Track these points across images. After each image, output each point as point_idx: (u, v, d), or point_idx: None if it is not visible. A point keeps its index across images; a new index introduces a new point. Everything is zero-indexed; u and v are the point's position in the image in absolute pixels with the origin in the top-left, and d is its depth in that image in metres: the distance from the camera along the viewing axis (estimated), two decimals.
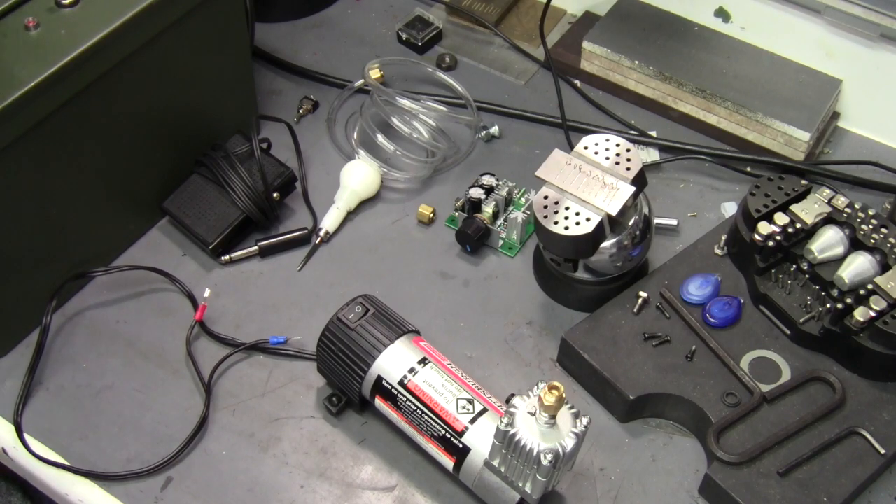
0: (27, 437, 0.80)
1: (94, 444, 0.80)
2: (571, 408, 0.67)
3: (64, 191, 0.83)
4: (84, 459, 0.79)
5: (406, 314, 0.81)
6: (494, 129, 1.03)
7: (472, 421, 0.73)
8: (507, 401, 0.69)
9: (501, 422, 0.67)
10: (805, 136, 1.00)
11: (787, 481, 0.75)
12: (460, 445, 0.73)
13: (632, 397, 0.80)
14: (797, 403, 0.80)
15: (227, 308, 0.89)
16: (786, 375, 0.81)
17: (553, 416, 0.66)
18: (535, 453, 0.66)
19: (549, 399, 0.64)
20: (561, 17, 1.18)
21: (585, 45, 1.09)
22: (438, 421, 0.73)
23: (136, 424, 0.82)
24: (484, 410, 0.73)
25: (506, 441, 0.67)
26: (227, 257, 0.93)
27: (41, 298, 0.85)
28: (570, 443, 0.66)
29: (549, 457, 0.65)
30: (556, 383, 0.65)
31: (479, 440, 0.72)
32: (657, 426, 0.83)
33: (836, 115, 1.07)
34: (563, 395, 0.65)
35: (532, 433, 0.66)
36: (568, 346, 0.83)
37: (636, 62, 1.06)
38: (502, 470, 0.70)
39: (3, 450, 0.81)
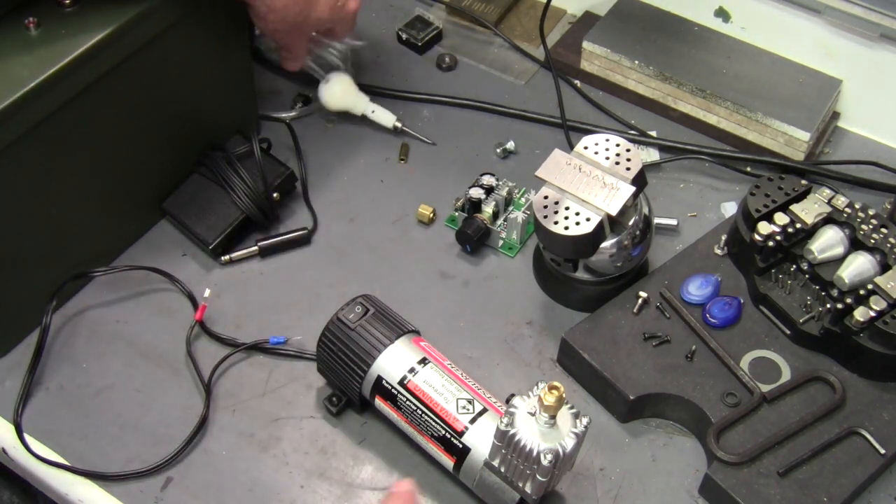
0: (27, 437, 0.80)
1: (94, 444, 0.80)
2: (571, 408, 0.67)
3: (64, 191, 0.83)
4: (84, 459, 0.79)
5: (406, 314, 0.81)
6: (510, 145, 1.03)
7: (472, 421, 0.73)
8: (507, 401, 0.69)
9: (501, 422, 0.67)
10: (805, 136, 1.00)
11: (787, 481, 0.75)
12: (460, 445, 0.73)
13: (632, 397, 0.80)
14: (797, 403, 0.80)
15: (227, 308, 0.89)
16: (786, 375, 0.81)
17: (553, 416, 0.66)
18: (535, 453, 0.66)
19: (549, 399, 0.64)
20: (561, 17, 1.18)
21: (585, 45, 1.09)
22: (438, 421, 0.73)
23: (136, 424, 0.82)
24: (484, 410, 0.73)
25: (506, 441, 0.67)
26: (227, 257, 0.93)
27: (41, 298, 0.85)
28: (570, 443, 0.66)
29: (549, 457, 0.65)
30: (556, 383, 0.65)
31: (479, 440, 0.72)
32: (657, 426, 0.83)
33: (836, 115, 1.07)
34: (563, 395, 0.65)
35: (532, 433, 0.66)
36: (568, 346, 0.84)
37: (636, 62, 1.06)
38: (502, 470, 0.70)
39: (3, 450, 0.81)
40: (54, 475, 0.79)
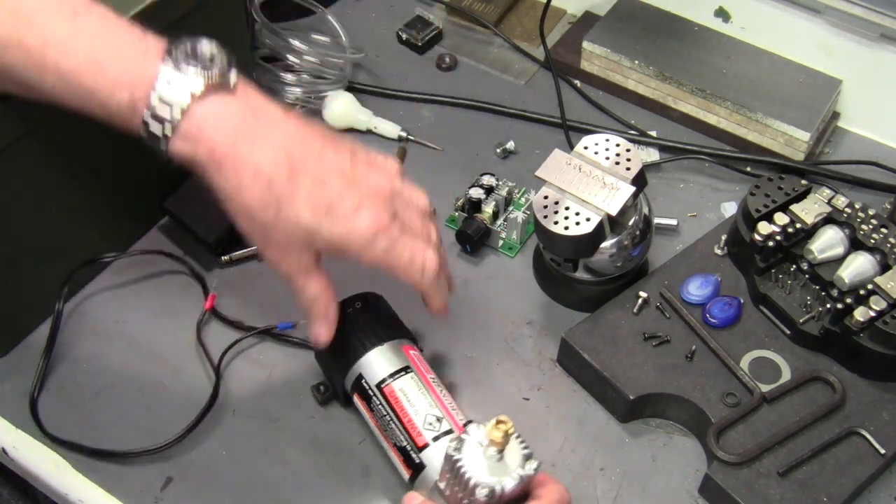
0: (29, 437, 0.80)
1: (94, 444, 0.80)
2: (525, 447, 0.65)
3: (64, 191, 0.83)
4: (84, 459, 0.79)
5: (406, 315, 0.81)
6: (510, 145, 1.03)
7: (435, 439, 0.72)
8: (464, 426, 0.67)
9: (450, 445, 0.65)
10: (805, 136, 1.00)
11: (787, 481, 0.75)
12: (417, 460, 0.72)
13: (632, 397, 0.80)
14: (797, 403, 0.80)
15: (228, 308, 0.89)
16: (786, 375, 0.81)
17: (500, 451, 0.63)
18: (471, 484, 0.63)
19: (495, 434, 0.62)
20: (561, 17, 1.18)
21: (585, 45, 1.09)
22: (403, 431, 0.73)
23: (136, 424, 0.81)
24: (450, 431, 0.72)
25: (449, 465, 0.65)
26: (227, 257, 0.93)
27: (40, 299, 0.85)
28: (510, 484, 0.63)
29: (485, 492, 0.63)
30: (503, 417, 0.62)
31: (437, 459, 0.70)
32: (657, 426, 0.83)
33: (836, 115, 1.07)
34: (511, 431, 0.62)
35: (476, 464, 0.63)
36: (568, 346, 0.84)
37: (636, 62, 1.06)
38: (446, 494, 0.67)
39: (3, 450, 0.81)
40: (54, 475, 0.79)
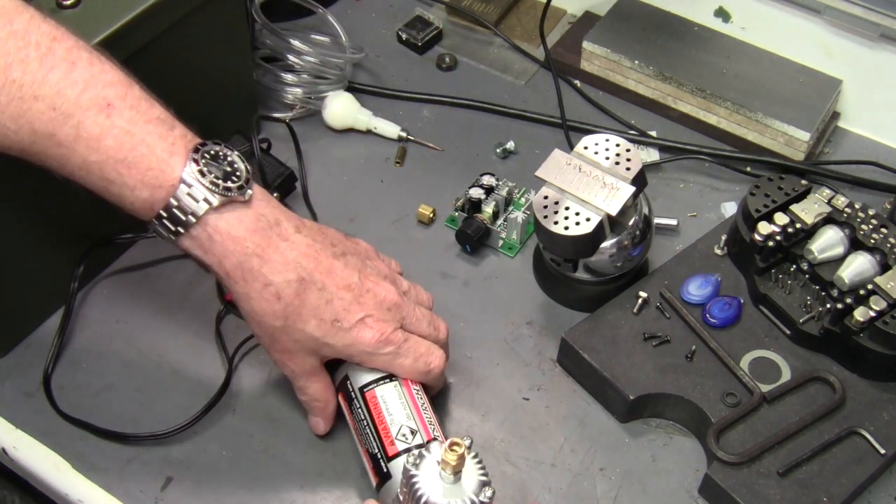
0: (29, 437, 0.80)
1: (94, 444, 0.80)
2: (483, 473, 0.64)
3: (64, 191, 0.83)
4: (84, 459, 0.79)
5: None
6: (510, 145, 1.03)
7: (406, 451, 0.71)
8: (427, 443, 0.67)
9: (408, 459, 0.65)
10: (805, 136, 1.00)
11: (787, 481, 0.75)
12: (385, 469, 0.71)
13: (632, 397, 0.80)
14: (797, 403, 0.80)
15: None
16: (786, 375, 0.81)
17: (455, 474, 0.63)
18: (422, 502, 0.63)
19: (449, 456, 0.62)
20: (561, 17, 1.18)
21: (585, 45, 1.09)
22: (376, 438, 0.72)
23: (136, 424, 0.81)
24: (421, 446, 0.71)
25: (405, 480, 0.65)
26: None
27: (40, 298, 0.85)
28: None
29: None
30: (458, 440, 0.62)
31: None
32: (657, 426, 0.83)
33: (836, 115, 1.07)
34: (465, 455, 0.62)
35: (431, 483, 0.63)
36: (568, 346, 0.84)
37: (636, 62, 1.06)
38: None
39: (3, 450, 0.81)
40: (54, 475, 0.79)
